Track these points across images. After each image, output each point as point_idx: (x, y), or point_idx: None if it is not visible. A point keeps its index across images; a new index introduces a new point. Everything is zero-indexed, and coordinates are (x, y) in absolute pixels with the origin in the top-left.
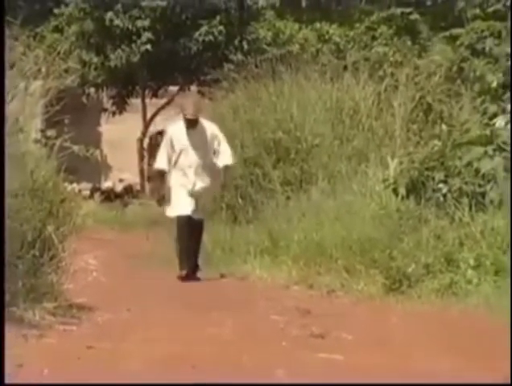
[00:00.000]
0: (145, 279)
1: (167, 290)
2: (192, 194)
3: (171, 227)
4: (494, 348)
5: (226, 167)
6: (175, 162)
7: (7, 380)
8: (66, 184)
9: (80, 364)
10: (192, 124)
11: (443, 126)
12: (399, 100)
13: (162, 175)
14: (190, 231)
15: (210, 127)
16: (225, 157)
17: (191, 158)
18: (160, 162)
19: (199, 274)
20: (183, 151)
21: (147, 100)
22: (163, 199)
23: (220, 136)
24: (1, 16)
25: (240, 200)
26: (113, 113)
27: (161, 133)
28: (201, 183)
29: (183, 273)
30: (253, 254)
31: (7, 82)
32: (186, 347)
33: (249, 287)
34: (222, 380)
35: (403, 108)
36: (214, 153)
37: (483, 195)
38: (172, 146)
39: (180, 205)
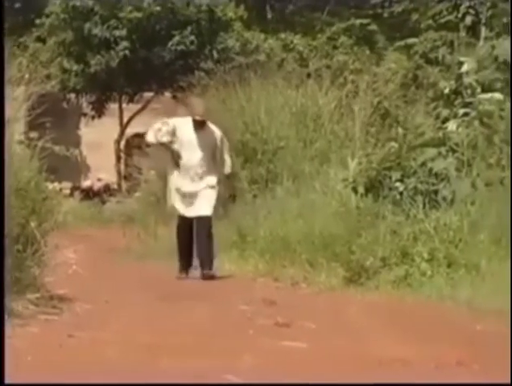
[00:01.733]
0: (122, 272)
1: (143, 282)
2: (195, 193)
3: (146, 223)
4: (447, 334)
5: (224, 176)
6: (179, 161)
7: (7, 380)
8: (48, 183)
9: (61, 351)
10: (200, 125)
11: (399, 129)
12: (359, 105)
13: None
14: (192, 231)
15: (217, 132)
16: (223, 166)
17: (195, 158)
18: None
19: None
20: (187, 150)
21: (124, 105)
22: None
23: (225, 144)
24: (0, 19)
25: None
26: (93, 117)
27: (137, 136)
28: (205, 183)
29: (183, 275)
30: (222, 249)
31: None
32: (160, 336)
33: (219, 279)
34: (194, 365)
35: (363, 112)
36: (215, 160)
37: (436, 193)
38: (175, 140)
39: (180, 205)
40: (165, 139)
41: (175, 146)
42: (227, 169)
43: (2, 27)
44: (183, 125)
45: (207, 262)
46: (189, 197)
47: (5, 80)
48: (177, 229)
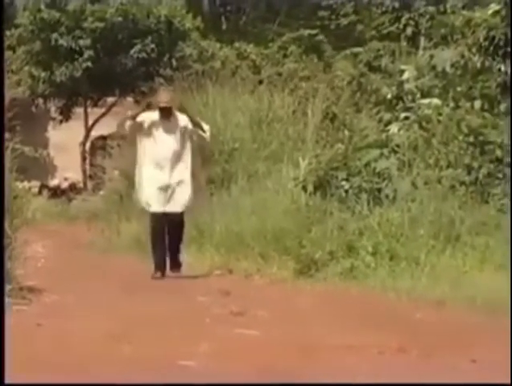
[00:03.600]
0: (87, 265)
1: (107, 275)
2: (168, 187)
3: (110, 219)
4: (389, 323)
5: (205, 142)
6: (148, 154)
7: (7, 380)
8: (18, 182)
9: (31, 339)
10: (165, 113)
11: (346, 132)
12: (311, 109)
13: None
14: (165, 228)
15: (184, 118)
16: (203, 135)
17: (166, 149)
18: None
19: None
20: (156, 141)
21: (89, 110)
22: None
23: (193, 122)
24: (0, 20)
25: None
26: (61, 121)
27: (102, 138)
28: (177, 175)
29: (158, 274)
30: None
31: None
32: (123, 325)
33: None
34: (154, 352)
35: (314, 116)
36: (185, 148)
37: (379, 191)
38: (144, 133)
39: (154, 201)
40: (132, 129)
41: (144, 140)
42: (207, 135)
43: (2, 28)
44: (150, 117)
45: (175, 263)
46: (162, 191)
47: (4, 81)
48: (151, 227)
